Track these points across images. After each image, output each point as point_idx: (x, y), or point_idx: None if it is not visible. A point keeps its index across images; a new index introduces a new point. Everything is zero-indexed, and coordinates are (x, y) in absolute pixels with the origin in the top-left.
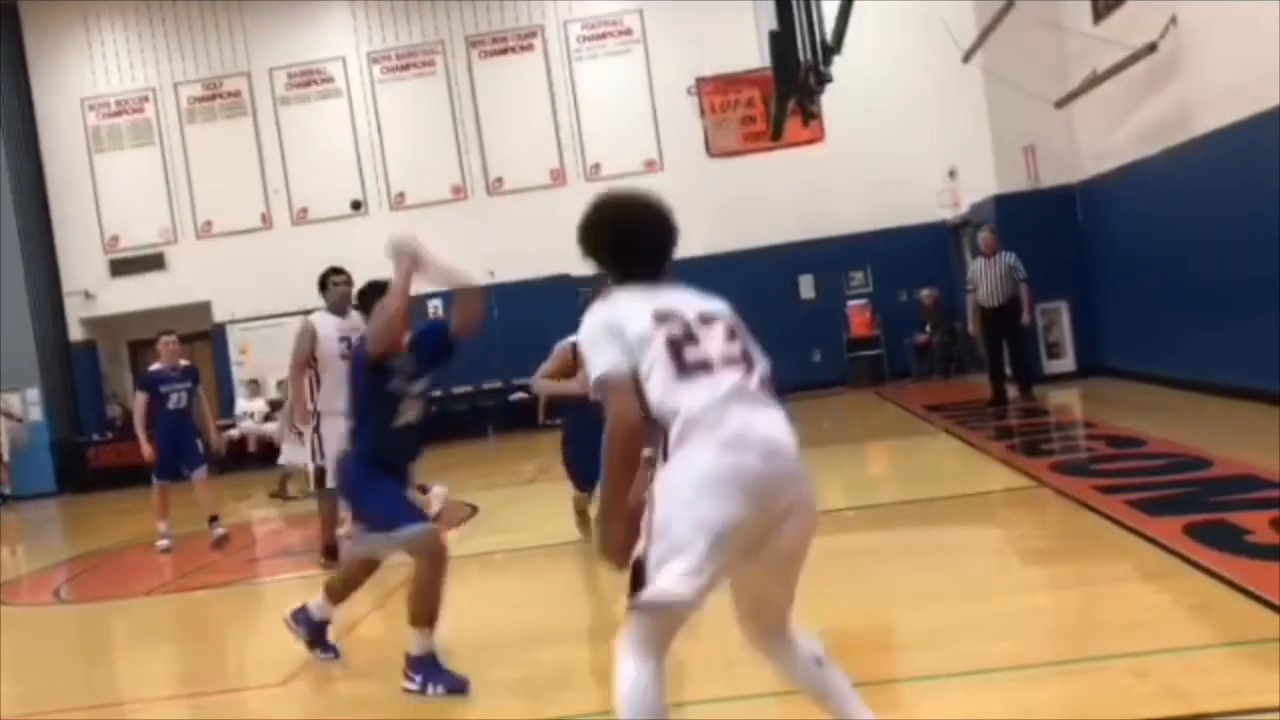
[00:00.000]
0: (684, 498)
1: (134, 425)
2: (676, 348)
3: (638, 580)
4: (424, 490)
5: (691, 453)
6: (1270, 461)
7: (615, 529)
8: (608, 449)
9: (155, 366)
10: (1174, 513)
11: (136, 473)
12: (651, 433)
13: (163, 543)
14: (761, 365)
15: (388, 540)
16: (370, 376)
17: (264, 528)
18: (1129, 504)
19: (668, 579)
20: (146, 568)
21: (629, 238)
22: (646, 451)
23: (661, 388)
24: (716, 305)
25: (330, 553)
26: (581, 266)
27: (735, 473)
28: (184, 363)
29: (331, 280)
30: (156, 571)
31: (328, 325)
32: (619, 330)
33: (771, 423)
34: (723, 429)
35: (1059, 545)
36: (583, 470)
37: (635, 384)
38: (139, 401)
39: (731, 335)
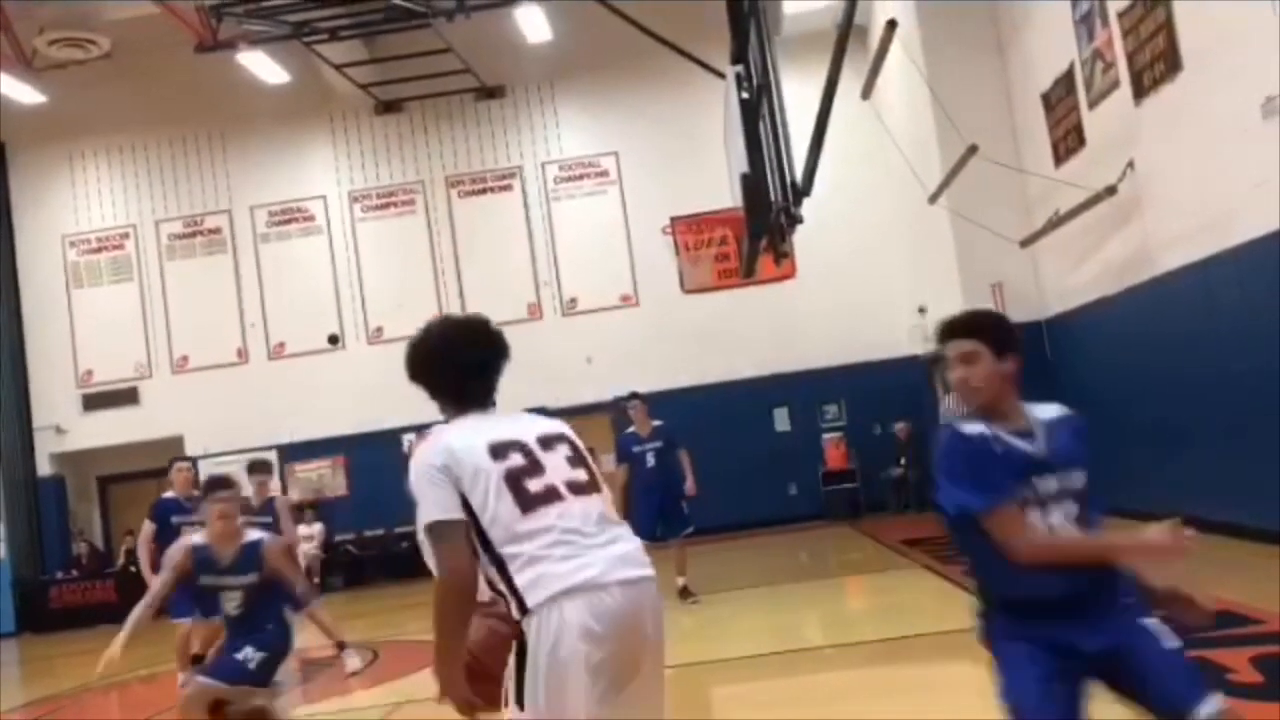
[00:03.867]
0: (548, 689)
1: (137, 556)
2: (517, 481)
3: None
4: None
5: (546, 623)
6: (1246, 597)
7: (455, 678)
8: (438, 604)
9: (168, 494)
10: None
11: (99, 612)
12: (487, 575)
13: None
14: (605, 489)
15: None
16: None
17: None
18: None
19: None
20: (106, 714)
21: (458, 364)
22: (486, 596)
23: (504, 527)
24: (556, 426)
25: None
26: (563, 398)
27: (591, 645)
28: (197, 493)
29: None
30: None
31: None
32: (451, 467)
33: (623, 556)
34: (575, 577)
35: None
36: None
37: (468, 526)
38: (146, 532)
39: (576, 458)
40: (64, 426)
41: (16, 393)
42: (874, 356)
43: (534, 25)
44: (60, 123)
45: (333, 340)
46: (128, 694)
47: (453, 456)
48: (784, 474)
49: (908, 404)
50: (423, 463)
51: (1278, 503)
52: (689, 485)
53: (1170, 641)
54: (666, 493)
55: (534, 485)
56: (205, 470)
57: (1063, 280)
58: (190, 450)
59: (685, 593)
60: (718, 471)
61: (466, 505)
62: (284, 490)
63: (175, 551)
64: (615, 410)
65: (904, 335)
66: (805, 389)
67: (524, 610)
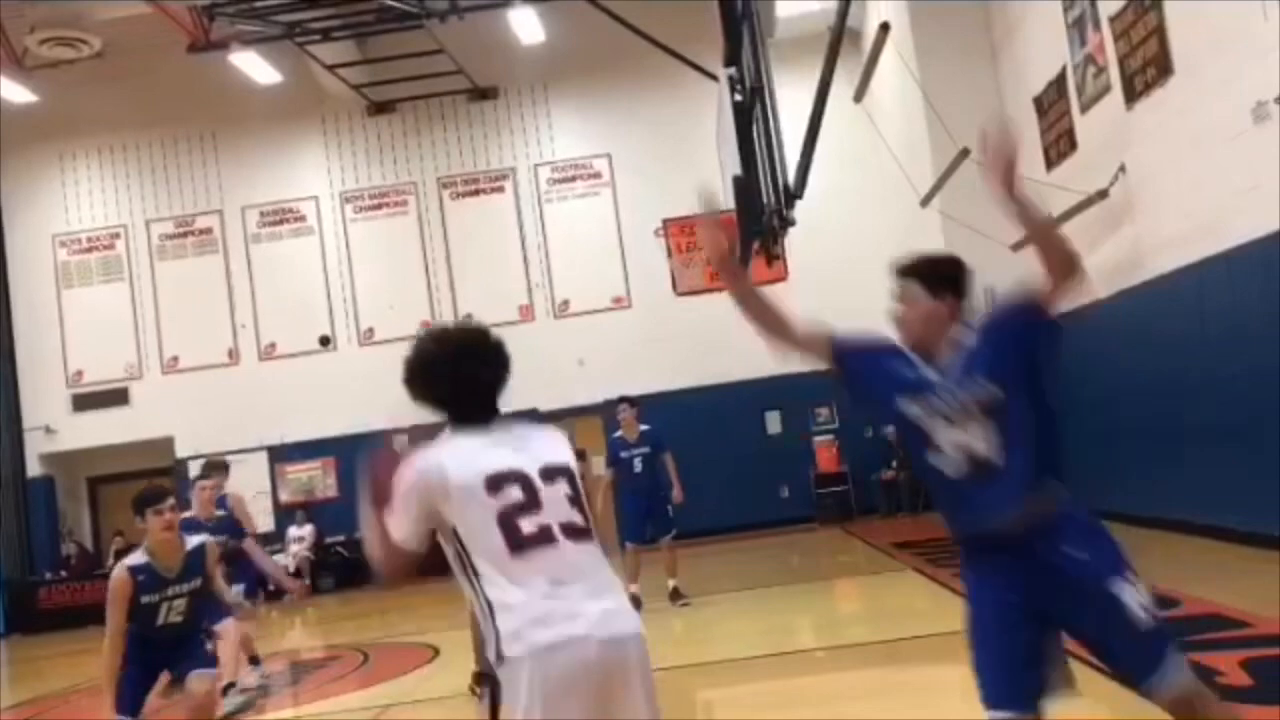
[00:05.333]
0: None
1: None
2: (510, 519)
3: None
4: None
5: (520, 678)
6: (1235, 600)
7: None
8: (369, 555)
9: (188, 514)
10: None
11: (88, 613)
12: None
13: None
14: (596, 533)
15: None
16: None
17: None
18: None
19: None
20: (95, 715)
21: (458, 379)
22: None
23: (491, 565)
24: (560, 455)
25: None
26: (555, 400)
27: (567, 704)
28: (221, 513)
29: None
30: None
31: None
32: (434, 487)
33: (608, 612)
34: (556, 634)
35: None
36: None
37: (455, 549)
38: None
39: (574, 497)
40: (54, 427)
41: (6, 392)
42: None
43: (527, 27)
44: (51, 122)
45: (324, 341)
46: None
47: (441, 476)
48: (776, 477)
49: None
50: (415, 471)
51: (1268, 506)
52: (675, 491)
53: (1137, 609)
54: (653, 496)
55: (528, 525)
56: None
57: None
58: (180, 452)
59: (676, 594)
60: (710, 474)
61: (454, 531)
62: (274, 490)
63: (117, 584)
64: (608, 412)
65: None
66: (797, 392)
67: (500, 657)
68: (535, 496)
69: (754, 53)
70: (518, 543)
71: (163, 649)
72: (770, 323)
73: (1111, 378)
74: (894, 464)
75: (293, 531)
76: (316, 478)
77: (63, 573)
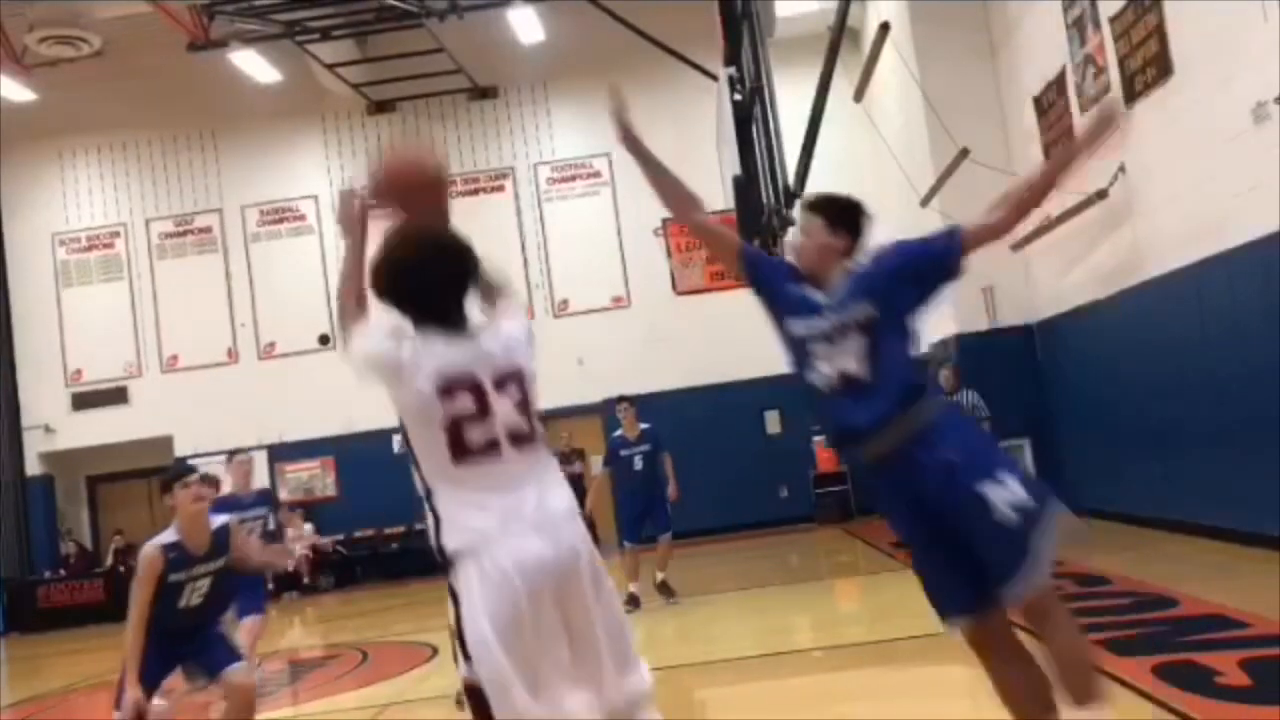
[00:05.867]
0: (480, 637)
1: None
2: (458, 429)
3: (480, 708)
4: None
5: (470, 577)
6: (1236, 600)
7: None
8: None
9: (227, 492)
10: (1142, 653)
11: (87, 613)
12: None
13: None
14: (541, 431)
15: None
16: None
17: None
18: (1097, 643)
19: (510, 713)
20: (93, 715)
21: (425, 275)
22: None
23: (435, 465)
24: (515, 357)
25: None
26: (554, 400)
27: (514, 600)
28: (257, 487)
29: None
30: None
31: None
32: (391, 370)
33: (546, 513)
34: (495, 535)
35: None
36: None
37: (401, 430)
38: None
39: (524, 402)
40: (53, 426)
41: (5, 391)
42: None
43: (527, 26)
44: (51, 121)
45: (323, 340)
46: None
47: (397, 365)
48: (775, 476)
49: None
50: (380, 329)
51: (1267, 507)
52: (671, 489)
53: (1004, 508)
54: (651, 495)
55: (474, 435)
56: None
57: (1054, 284)
58: (179, 450)
59: (664, 588)
60: (709, 474)
61: (401, 423)
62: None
63: (148, 560)
64: (607, 412)
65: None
66: (796, 391)
67: (444, 554)
68: (485, 405)
69: (754, 52)
70: (461, 453)
71: (179, 637)
72: (675, 194)
73: (1111, 378)
74: None
75: (291, 531)
76: (316, 477)
77: (61, 572)
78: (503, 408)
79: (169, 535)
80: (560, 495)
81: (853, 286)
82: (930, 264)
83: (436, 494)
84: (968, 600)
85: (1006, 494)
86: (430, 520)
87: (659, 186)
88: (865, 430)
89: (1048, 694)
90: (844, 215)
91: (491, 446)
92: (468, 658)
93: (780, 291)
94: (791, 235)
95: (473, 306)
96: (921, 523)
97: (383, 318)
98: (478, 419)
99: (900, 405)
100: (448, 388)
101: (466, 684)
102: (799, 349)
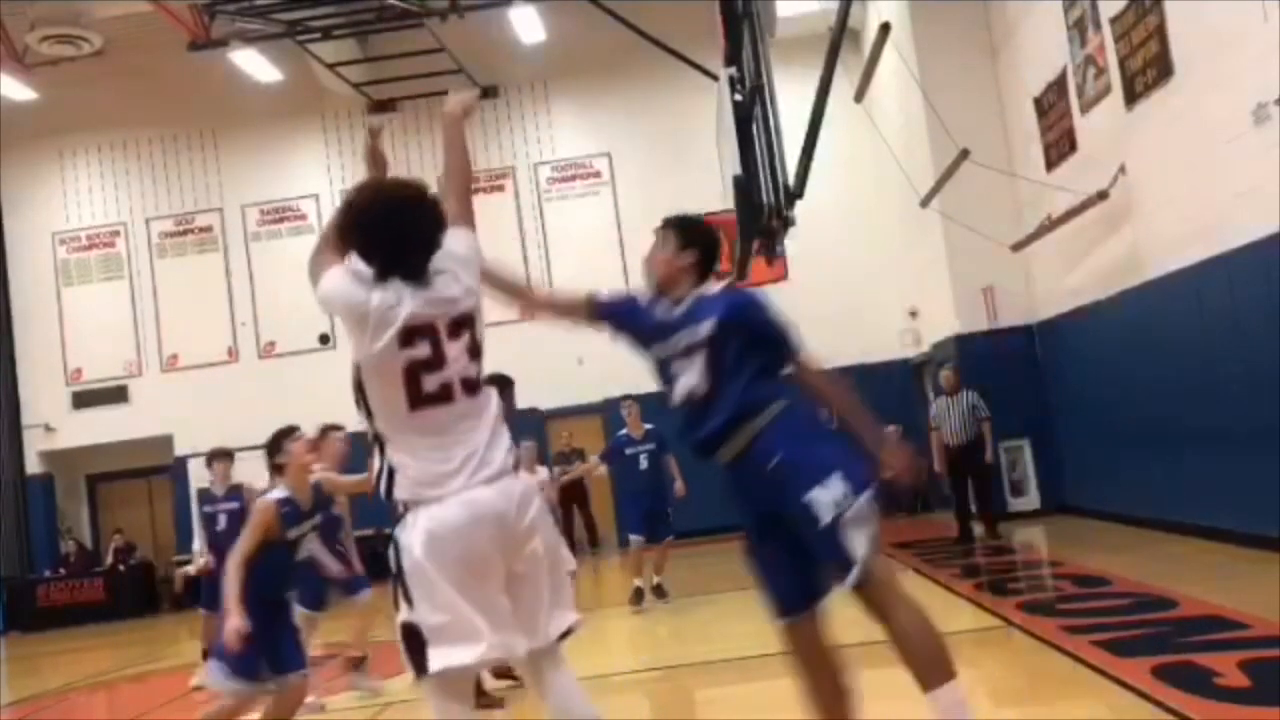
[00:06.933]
0: (425, 579)
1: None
2: (414, 375)
3: (416, 649)
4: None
5: (411, 526)
6: (1235, 601)
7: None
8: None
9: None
10: (1142, 654)
11: (86, 612)
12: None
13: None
14: (480, 375)
15: None
16: None
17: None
18: (1096, 644)
19: (447, 655)
20: (92, 714)
21: (389, 227)
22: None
23: (387, 411)
24: (466, 301)
25: None
26: (554, 399)
27: (451, 546)
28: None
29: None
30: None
31: None
32: (357, 313)
33: (486, 461)
34: (437, 485)
35: (1029, 687)
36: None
37: (354, 371)
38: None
39: (474, 348)
40: (53, 424)
41: (5, 390)
42: (865, 359)
43: (528, 25)
44: (51, 119)
45: (324, 340)
46: (114, 694)
47: (364, 310)
48: None
49: (898, 407)
50: (345, 274)
51: (1267, 508)
52: (678, 487)
53: (824, 518)
54: (655, 496)
55: (429, 382)
56: (194, 469)
57: (1054, 284)
58: (179, 450)
59: (660, 591)
60: (708, 474)
61: (356, 365)
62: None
63: (264, 511)
64: (607, 412)
65: (895, 338)
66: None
67: (393, 505)
68: (440, 353)
69: (754, 52)
70: (415, 399)
71: (271, 613)
72: (504, 288)
73: (1111, 379)
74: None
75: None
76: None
77: (61, 570)
78: (456, 354)
79: (279, 492)
80: (504, 443)
81: (700, 308)
82: (764, 338)
83: (390, 443)
84: (800, 598)
85: (829, 495)
86: (382, 471)
87: (489, 284)
88: (710, 440)
89: (847, 707)
90: (694, 234)
91: (445, 392)
92: (409, 601)
93: (637, 327)
94: (645, 249)
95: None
96: (761, 523)
97: (352, 262)
98: (434, 366)
99: (738, 417)
100: (407, 335)
101: (404, 625)
102: (661, 369)
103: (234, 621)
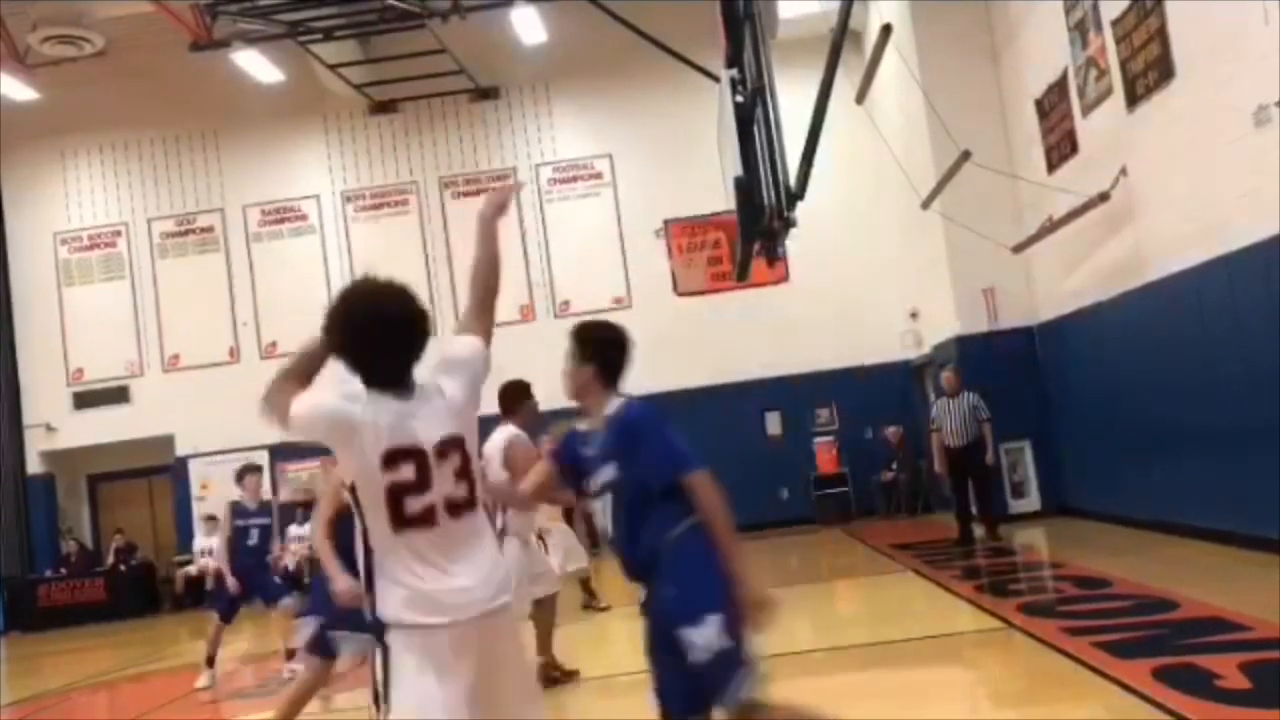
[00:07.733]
0: (406, 699)
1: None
2: (397, 499)
3: None
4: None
5: (398, 642)
6: (1236, 603)
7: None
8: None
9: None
10: (1143, 655)
11: (87, 611)
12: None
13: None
14: (481, 494)
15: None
16: None
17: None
18: (1097, 646)
19: None
20: (92, 714)
21: (373, 333)
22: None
23: (374, 530)
24: (457, 424)
25: None
26: (555, 400)
27: (437, 671)
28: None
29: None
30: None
31: None
32: (344, 433)
33: (472, 590)
34: (421, 613)
35: (1029, 688)
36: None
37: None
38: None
39: (463, 470)
40: (54, 424)
41: (7, 390)
42: (866, 360)
43: (529, 27)
44: (53, 120)
45: None
46: (115, 694)
47: (350, 429)
48: (775, 478)
49: (899, 408)
50: (328, 397)
51: (1267, 510)
52: None
53: (700, 650)
54: None
55: (413, 505)
56: (195, 470)
57: (1055, 286)
58: (180, 450)
59: None
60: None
61: (350, 484)
62: (274, 490)
63: (336, 479)
64: None
65: (896, 339)
66: (797, 393)
67: (379, 621)
68: (427, 475)
69: (756, 54)
70: (399, 521)
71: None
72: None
73: (1112, 380)
74: (893, 465)
75: (293, 531)
76: (316, 477)
77: (62, 570)
78: (443, 477)
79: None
80: (487, 558)
81: (603, 446)
82: (654, 463)
83: (376, 554)
84: (685, 707)
85: (702, 637)
86: (370, 577)
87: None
88: (629, 570)
89: None
90: (588, 345)
91: (428, 516)
92: (388, 701)
93: (579, 470)
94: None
95: (421, 367)
96: (656, 640)
97: (329, 380)
98: (417, 490)
99: (642, 558)
100: (391, 457)
101: None
102: (603, 501)
103: (342, 583)
